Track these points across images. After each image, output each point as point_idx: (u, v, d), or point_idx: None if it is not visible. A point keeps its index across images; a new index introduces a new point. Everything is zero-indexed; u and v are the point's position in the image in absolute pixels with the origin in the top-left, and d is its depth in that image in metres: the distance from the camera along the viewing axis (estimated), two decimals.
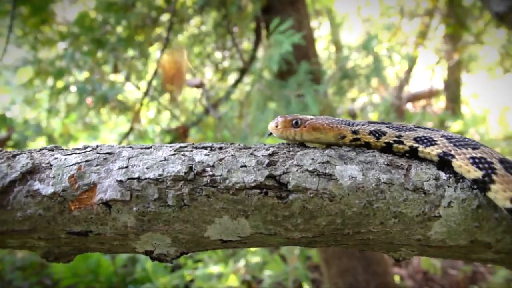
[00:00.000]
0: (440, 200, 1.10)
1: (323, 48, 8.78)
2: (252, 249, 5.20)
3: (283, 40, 3.30)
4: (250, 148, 1.14)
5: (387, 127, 1.28)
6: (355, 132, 1.25)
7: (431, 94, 10.35)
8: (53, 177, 1.05)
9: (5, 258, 5.13)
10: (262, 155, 1.10)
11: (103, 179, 1.05)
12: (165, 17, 4.75)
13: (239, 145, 1.16)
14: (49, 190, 1.03)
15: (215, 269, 4.90)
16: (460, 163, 1.14)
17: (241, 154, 1.11)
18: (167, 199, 1.04)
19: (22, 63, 4.65)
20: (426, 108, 10.49)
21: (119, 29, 4.59)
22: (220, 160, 1.08)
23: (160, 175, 1.05)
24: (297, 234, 1.09)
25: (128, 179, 1.05)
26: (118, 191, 1.04)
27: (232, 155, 1.10)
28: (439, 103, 11.19)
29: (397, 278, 5.23)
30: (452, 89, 9.89)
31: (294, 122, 1.23)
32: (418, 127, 1.29)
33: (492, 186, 1.08)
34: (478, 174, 1.10)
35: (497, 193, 1.07)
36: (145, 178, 1.05)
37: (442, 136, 1.21)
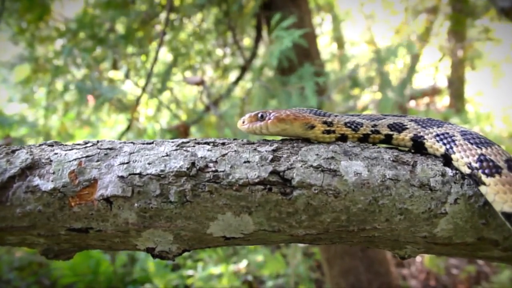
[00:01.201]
0: (446, 196, 1.08)
1: (325, 44, 8.73)
2: (253, 248, 5.18)
3: (284, 36, 3.27)
4: (253, 143, 1.12)
5: (360, 118, 1.25)
6: (328, 124, 1.20)
7: (434, 91, 10.29)
8: (53, 173, 1.03)
9: (3, 257, 5.09)
10: (266, 151, 1.09)
11: (104, 174, 1.04)
12: (165, 14, 4.72)
13: (242, 140, 1.14)
14: (49, 186, 1.02)
15: (215, 270, 4.87)
16: (430, 143, 1.17)
17: (244, 149, 1.09)
18: (169, 195, 1.02)
19: (19, 60, 4.60)
20: (430, 106, 10.44)
21: (119, 26, 4.56)
22: (223, 155, 1.07)
23: (162, 170, 1.03)
24: (301, 231, 1.07)
25: (130, 174, 1.03)
26: (119, 187, 1.02)
27: (235, 151, 1.08)
28: (443, 101, 11.12)
29: (400, 278, 5.18)
30: (456, 86, 9.82)
31: (259, 115, 1.21)
32: (386, 115, 1.28)
33: (453, 156, 1.12)
34: (443, 149, 1.14)
35: (458, 162, 1.11)
36: (147, 174, 1.03)
37: (410, 120, 1.24)
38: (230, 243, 1.10)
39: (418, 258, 5.58)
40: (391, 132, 1.23)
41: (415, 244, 1.14)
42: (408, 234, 1.10)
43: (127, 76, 4.87)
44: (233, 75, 5.57)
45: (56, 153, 1.07)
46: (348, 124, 1.22)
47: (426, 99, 10.84)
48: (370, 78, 4.02)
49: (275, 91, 3.57)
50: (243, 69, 4.82)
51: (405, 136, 1.21)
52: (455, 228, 1.10)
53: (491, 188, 1.03)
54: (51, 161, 1.05)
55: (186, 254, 1.08)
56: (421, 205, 1.07)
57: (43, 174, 1.03)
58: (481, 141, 1.10)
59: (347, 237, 1.11)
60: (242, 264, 5.13)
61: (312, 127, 1.18)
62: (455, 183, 1.10)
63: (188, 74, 5.47)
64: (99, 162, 1.05)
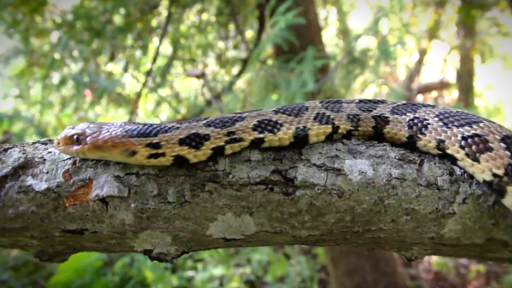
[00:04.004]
0: (454, 196, 1.05)
1: (331, 36, 8.64)
2: (256, 247, 5.13)
3: (280, 20, 3.20)
4: None
5: (206, 125, 1.03)
6: (153, 146, 0.98)
7: (442, 85, 10.16)
8: (47, 172, 1.01)
9: None
10: None
11: (100, 174, 1.01)
12: (164, 5, 4.66)
13: None
14: (43, 186, 0.99)
15: (216, 271, 4.84)
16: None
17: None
18: (167, 195, 1.00)
19: (14, 53, 4.55)
20: (438, 100, 10.32)
21: (117, 17, 4.50)
22: None
23: (160, 169, 1.01)
24: (304, 232, 1.04)
25: (126, 174, 1.01)
26: (115, 187, 0.99)
27: None
28: (452, 95, 10.96)
29: (407, 278, 5.11)
30: (465, 80, 9.65)
31: (75, 138, 0.99)
32: (244, 113, 1.08)
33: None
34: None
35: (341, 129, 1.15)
36: (144, 173, 1.01)
37: (276, 112, 1.08)
38: (231, 244, 1.08)
39: (426, 257, 5.52)
40: (262, 135, 1.04)
41: (422, 245, 1.11)
42: (415, 235, 1.07)
43: (125, 69, 4.83)
44: (235, 69, 5.51)
45: (50, 152, 1.05)
46: (187, 141, 1.00)
47: (434, 93, 10.72)
48: (368, 51, 3.87)
49: (275, 80, 3.50)
50: (245, 62, 4.77)
51: (284, 135, 1.05)
52: (463, 229, 1.07)
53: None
54: (44, 160, 1.03)
55: (185, 254, 1.05)
56: (428, 205, 1.04)
57: (36, 174, 1.01)
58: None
59: (352, 238, 1.08)
60: (246, 268, 5.11)
61: (134, 153, 0.98)
62: (463, 182, 1.07)
63: (189, 67, 5.42)
64: (94, 161, 1.03)
